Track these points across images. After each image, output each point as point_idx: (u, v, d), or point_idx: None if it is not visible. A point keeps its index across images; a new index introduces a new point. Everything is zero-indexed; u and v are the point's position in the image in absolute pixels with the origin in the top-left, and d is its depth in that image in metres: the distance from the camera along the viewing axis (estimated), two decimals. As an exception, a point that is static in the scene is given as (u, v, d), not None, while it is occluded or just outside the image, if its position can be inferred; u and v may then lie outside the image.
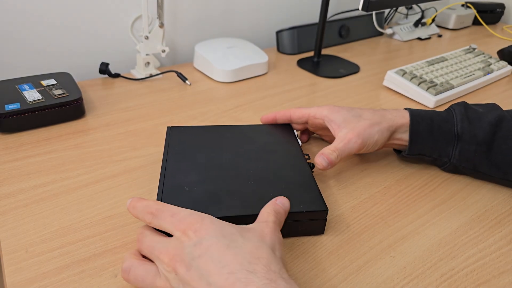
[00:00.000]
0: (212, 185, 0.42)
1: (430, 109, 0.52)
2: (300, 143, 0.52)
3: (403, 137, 0.50)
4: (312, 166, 0.49)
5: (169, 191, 0.40)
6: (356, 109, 0.51)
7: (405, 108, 0.52)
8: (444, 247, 0.42)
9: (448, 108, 0.52)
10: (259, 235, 0.33)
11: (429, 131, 0.49)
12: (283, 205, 0.38)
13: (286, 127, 0.55)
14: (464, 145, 0.49)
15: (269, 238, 0.33)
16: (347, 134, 0.48)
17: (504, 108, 0.52)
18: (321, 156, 0.47)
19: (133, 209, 0.36)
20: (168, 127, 0.52)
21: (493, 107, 0.52)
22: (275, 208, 0.37)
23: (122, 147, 0.55)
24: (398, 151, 0.55)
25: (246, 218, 0.37)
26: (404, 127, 0.50)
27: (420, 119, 0.50)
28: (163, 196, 0.40)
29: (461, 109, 0.51)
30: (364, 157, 0.56)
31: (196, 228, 0.32)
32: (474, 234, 0.44)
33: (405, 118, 0.50)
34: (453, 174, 0.53)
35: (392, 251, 0.41)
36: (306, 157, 0.50)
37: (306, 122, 0.54)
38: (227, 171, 0.44)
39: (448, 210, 0.47)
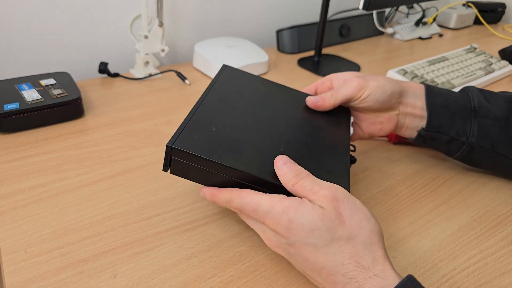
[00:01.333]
0: (240, 134, 0.39)
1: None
2: (351, 131, 0.48)
3: (417, 103, 0.48)
4: (353, 160, 0.46)
5: (195, 123, 0.38)
6: None
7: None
8: (445, 247, 0.42)
9: (460, 89, 0.52)
10: (333, 228, 0.32)
11: (445, 105, 0.48)
12: (284, 165, 0.35)
13: (344, 109, 0.49)
14: (481, 120, 0.48)
15: (338, 227, 0.32)
16: (347, 78, 0.47)
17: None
18: (314, 96, 0.47)
19: (214, 198, 0.38)
20: (224, 64, 0.49)
21: (504, 92, 0.53)
22: (294, 170, 0.35)
23: (121, 147, 0.55)
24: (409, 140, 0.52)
25: (258, 181, 0.35)
26: (415, 90, 0.49)
27: (435, 94, 0.49)
28: (187, 125, 0.38)
29: (475, 89, 0.51)
30: (364, 157, 0.56)
31: (283, 234, 0.33)
32: (475, 234, 0.44)
33: (419, 85, 0.50)
34: (454, 174, 0.53)
35: (393, 251, 0.41)
36: (352, 148, 0.46)
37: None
38: (262, 126, 0.41)
39: (449, 211, 0.47)
